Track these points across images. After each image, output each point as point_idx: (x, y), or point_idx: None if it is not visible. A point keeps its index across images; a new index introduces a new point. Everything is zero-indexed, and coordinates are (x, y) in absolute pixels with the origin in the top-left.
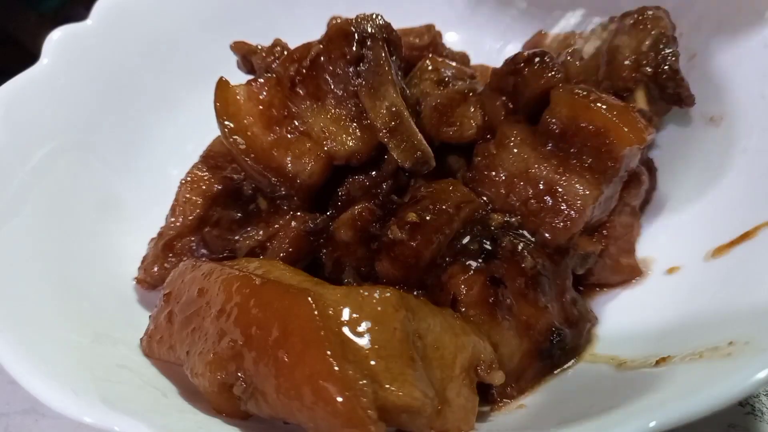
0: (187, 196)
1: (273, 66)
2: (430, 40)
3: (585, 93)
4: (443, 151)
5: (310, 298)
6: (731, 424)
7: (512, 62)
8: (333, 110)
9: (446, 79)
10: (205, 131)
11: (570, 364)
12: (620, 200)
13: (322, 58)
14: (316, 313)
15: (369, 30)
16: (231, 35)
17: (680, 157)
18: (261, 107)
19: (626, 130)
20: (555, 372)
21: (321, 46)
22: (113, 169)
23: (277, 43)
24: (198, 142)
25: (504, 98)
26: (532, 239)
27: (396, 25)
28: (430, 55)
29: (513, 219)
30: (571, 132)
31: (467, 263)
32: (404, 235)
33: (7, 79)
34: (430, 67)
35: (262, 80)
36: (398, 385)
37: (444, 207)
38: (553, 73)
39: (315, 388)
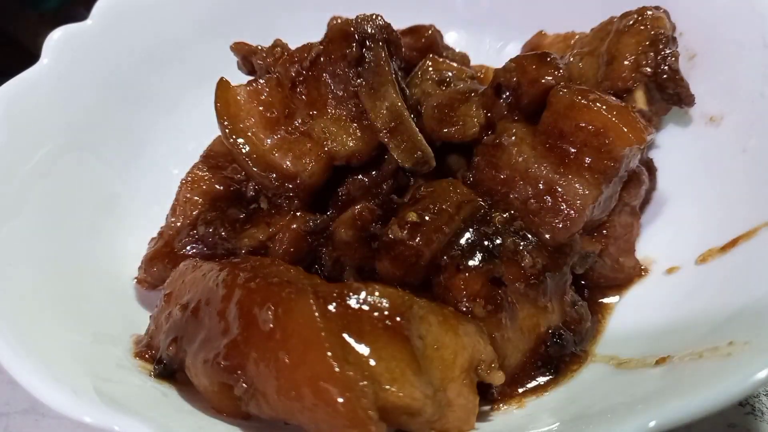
0: (188, 195)
1: (273, 67)
2: (430, 41)
3: (585, 93)
4: (443, 151)
5: (311, 299)
6: (731, 424)
7: (514, 62)
8: (333, 111)
9: (447, 79)
10: (206, 131)
11: (575, 369)
12: (620, 200)
13: (322, 59)
14: (316, 314)
15: (369, 30)
16: (231, 35)
17: (680, 157)
18: (261, 108)
19: (626, 130)
20: (562, 378)
21: (321, 47)
22: (113, 169)
23: (278, 43)
24: (199, 142)
25: (505, 98)
26: (533, 239)
27: (396, 26)
28: (431, 56)
29: (513, 218)
30: (571, 132)
31: (468, 263)
32: (404, 235)
33: (7, 79)
34: (430, 68)
35: (262, 81)
36: (398, 385)
37: (444, 206)
38: (554, 73)
39: (316, 389)
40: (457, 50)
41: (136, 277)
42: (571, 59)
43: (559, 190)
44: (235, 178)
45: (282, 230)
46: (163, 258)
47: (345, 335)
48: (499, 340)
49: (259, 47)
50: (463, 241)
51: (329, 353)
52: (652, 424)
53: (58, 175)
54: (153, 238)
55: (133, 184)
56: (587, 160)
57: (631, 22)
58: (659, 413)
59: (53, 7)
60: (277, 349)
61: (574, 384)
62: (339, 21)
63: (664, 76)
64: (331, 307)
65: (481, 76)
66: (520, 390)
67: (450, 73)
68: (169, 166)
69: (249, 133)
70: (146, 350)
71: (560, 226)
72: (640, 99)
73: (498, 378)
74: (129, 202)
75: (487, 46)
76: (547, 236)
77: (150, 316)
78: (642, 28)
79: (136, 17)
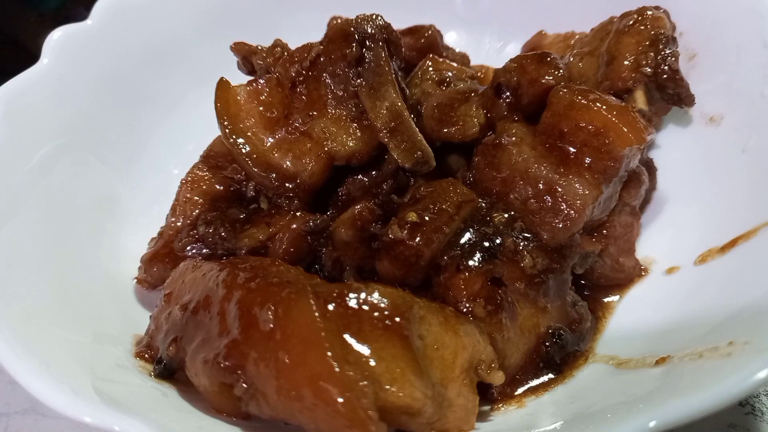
0: (188, 195)
1: (273, 67)
2: (430, 41)
3: (585, 93)
4: (443, 151)
5: (311, 299)
6: (731, 424)
7: (514, 62)
8: (333, 111)
9: (447, 79)
10: (206, 131)
11: (575, 369)
12: (620, 200)
13: (322, 59)
14: (316, 314)
15: (369, 30)
16: (231, 35)
17: (680, 157)
18: (261, 108)
19: (626, 130)
20: (562, 378)
21: (321, 47)
22: (113, 169)
23: (278, 43)
24: (199, 142)
25: (505, 98)
26: (533, 239)
27: (396, 26)
28: (431, 56)
29: (513, 219)
30: (571, 132)
31: (468, 263)
32: (404, 235)
33: (7, 79)
34: (430, 68)
35: (262, 81)
36: (399, 385)
37: (444, 206)
38: (554, 73)
39: (316, 389)
40: (457, 50)
41: (136, 277)
42: (571, 59)
43: (559, 190)
44: (235, 178)
45: (282, 230)
46: (163, 258)
47: (345, 335)
48: (499, 340)
49: (259, 47)
50: (463, 241)
51: (329, 353)
52: (652, 424)
53: (58, 175)
54: (153, 238)
55: (133, 184)
56: (587, 160)
57: (631, 22)
58: (659, 413)
59: (53, 7)
60: (277, 349)
61: (574, 384)
62: (339, 21)
63: (664, 76)
64: (331, 307)
65: (481, 76)
66: (520, 390)
67: (450, 73)
68: (169, 166)
69: (249, 133)
70: (146, 350)
71: (560, 226)
72: (640, 99)
73: (498, 378)
74: (129, 202)
75: (487, 46)
76: (547, 236)
77: (150, 316)
78: (642, 28)
79: (136, 17)
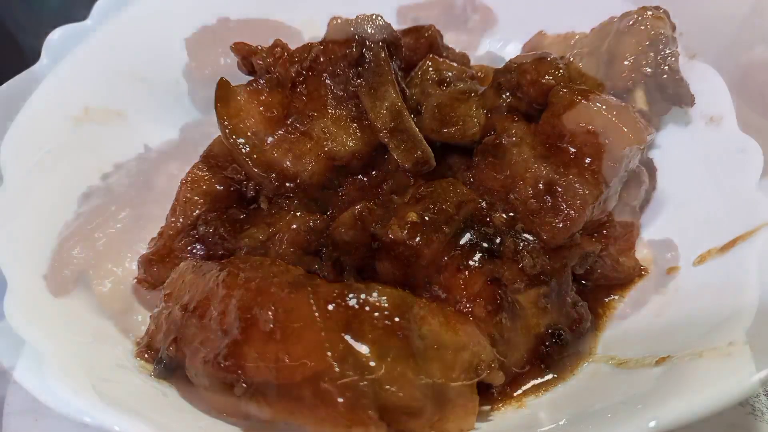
0: (188, 195)
1: (273, 67)
2: (430, 41)
3: (585, 93)
4: (443, 151)
5: (311, 300)
6: (731, 424)
7: (514, 62)
8: (333, 111)
9: (447, 79)
10: (206, 131)
11: (575, 369)
12: (620, 200)
13: (322, 59)
14: (316, 314)
15: (369, 31)
16: (231, 36)
17: (680, 157)
18: (261, 108)
19: (626, 130)
20: (562, 378)
21: (321, 47)
22: (114, 168)
23: (278, 44)
24: (199, 142)
25: (505, 98)
26: (533, 239)
27: (396, 26)
28: (431, 56)
29: (513, 219)
30: (571, 132)
31: (468, 263)
32: (405, 235)
33: (7, 79)
34: (430, 68)
35: (262, 81)
36: (398, 385)
37: (444, 206)
38: (554, 73)
39: (316, 389)
40: (457, 50)
41: (136, 277)
42: (571, 59)
43: (559, 190)
44: (235, 178)
45: (282, 230)
46: (163, 258)
47: (345, 335)
48: (499, 340)
49: (259, 47)
50: (463, 241)
51: (329, 353)
52: (652, 424)
53: (58, 175)
54: (153, 238)
55: (134, 184)
56: (587, 160)
57: (631, 23)
58: (659, 413)
59: (53, 7)
60: (277, 349)
61: (573, 384)
62: (339, 21)
63: (664, 76)
64: (331, 307)
65: (481, 76)
66: (520, 390)
67: (450, 73)
68: (169, 166)
69: (249, 133)
70: (146, 350)
71: (560, 226)
72: (640, 99)
73: (498, 378)
74: (129, 202)
75: (487, 46)
76: (547, 236)
77: (150, 316)
78: (642, 28)
79: (136, 17)
